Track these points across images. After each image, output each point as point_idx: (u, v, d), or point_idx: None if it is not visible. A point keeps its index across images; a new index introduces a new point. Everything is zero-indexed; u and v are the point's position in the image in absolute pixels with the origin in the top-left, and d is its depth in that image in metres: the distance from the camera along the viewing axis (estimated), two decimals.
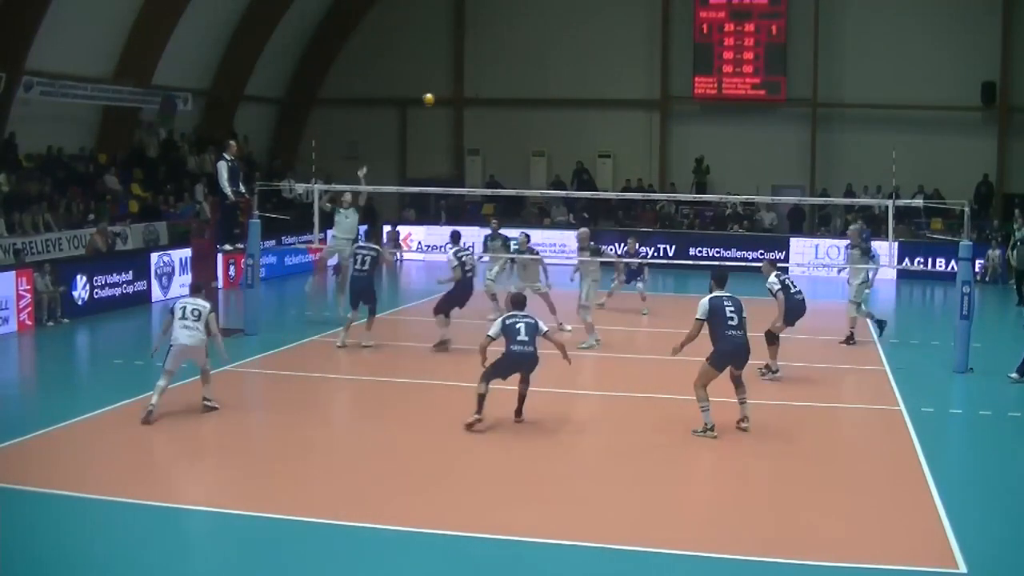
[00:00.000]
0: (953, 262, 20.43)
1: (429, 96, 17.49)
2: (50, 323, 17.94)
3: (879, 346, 16.85)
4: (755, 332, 13.00)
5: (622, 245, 25.39)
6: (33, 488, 9.29)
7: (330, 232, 18.25)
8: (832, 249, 26.52)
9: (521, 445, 10.77)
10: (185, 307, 11.99)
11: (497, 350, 11.50)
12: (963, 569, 7.85)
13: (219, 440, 11.42)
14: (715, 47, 30.52)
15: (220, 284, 19.91)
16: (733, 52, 30.45)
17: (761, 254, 27.80)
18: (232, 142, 18.80)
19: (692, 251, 27.92)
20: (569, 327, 16.59)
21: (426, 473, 10.17)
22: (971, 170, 28.80)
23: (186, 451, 11.00)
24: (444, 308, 16.02)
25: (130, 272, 20.33)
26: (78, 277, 18.96)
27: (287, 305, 21.10)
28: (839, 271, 19.58)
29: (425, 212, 31.92)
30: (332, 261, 19.42)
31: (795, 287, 14.43)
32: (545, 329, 11.66)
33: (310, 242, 19.27)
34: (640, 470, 10.39)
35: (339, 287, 18.23)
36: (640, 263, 20.65)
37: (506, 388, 11.51)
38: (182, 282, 21.12)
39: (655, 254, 28.24)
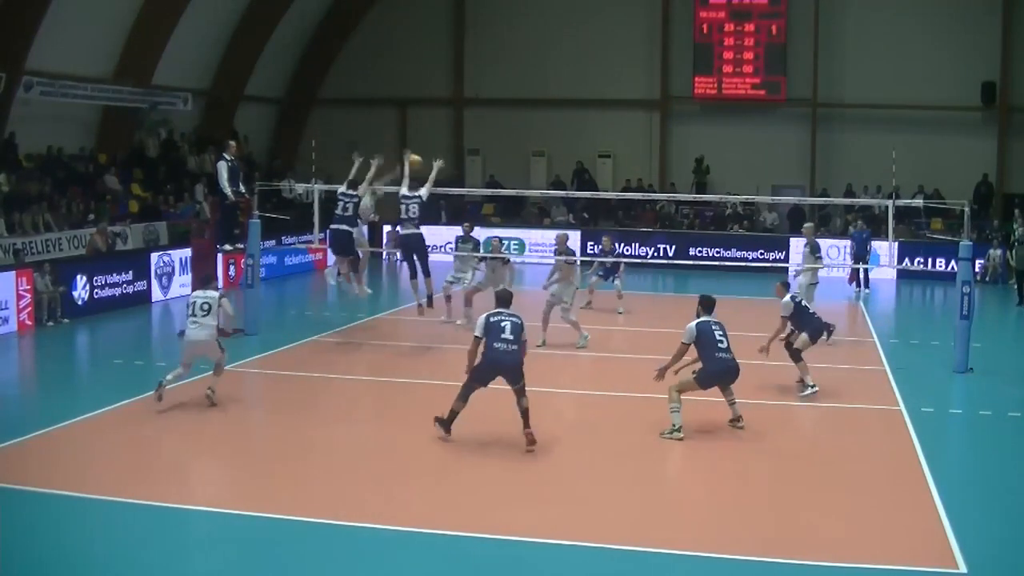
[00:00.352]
0: (953, 262, 20.45)
1: (415, 157, 17.29)
2: (50, 323, 17.95)
3: (879, 346, 16.85)
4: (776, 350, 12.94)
5: (596, 245, 25.49)
6: (33, 488, 9.29)
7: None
8: (832, 249, 26.50)
9: (521, 445, 10.76)
10: (195, 302, 12.03)
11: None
12: (963, 569, 7.86)
13: (219, 440, 11.42)
14: (715, 47, 30.53)
15: (220, 284, 19.84)
16: (733, 52, 30.47)
17: (761, 254, 27.92)
18: (232, 142, 18.81)
19: (692, 251, 28.00)
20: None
21: (426, 473, 10.17)
22: (971, 170, 28.82)
23: (186, 451, 11.00)
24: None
25: (130, 272, 20.34)
26: (78, 277, 18.98)
27: (287, 305, 21.11)
28: (796, 273, 19.30)
29: (425, 212, 31.74)
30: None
31: (810, 308, 13.94)
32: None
33: (310, 242, 19.23)
34: (640, 470, 10.40)
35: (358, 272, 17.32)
36: (615, 261, 20.75)
37: (506, 388, 11.46)
38: (182, 282, 21.19)
39: (655, 254, 28.29)
